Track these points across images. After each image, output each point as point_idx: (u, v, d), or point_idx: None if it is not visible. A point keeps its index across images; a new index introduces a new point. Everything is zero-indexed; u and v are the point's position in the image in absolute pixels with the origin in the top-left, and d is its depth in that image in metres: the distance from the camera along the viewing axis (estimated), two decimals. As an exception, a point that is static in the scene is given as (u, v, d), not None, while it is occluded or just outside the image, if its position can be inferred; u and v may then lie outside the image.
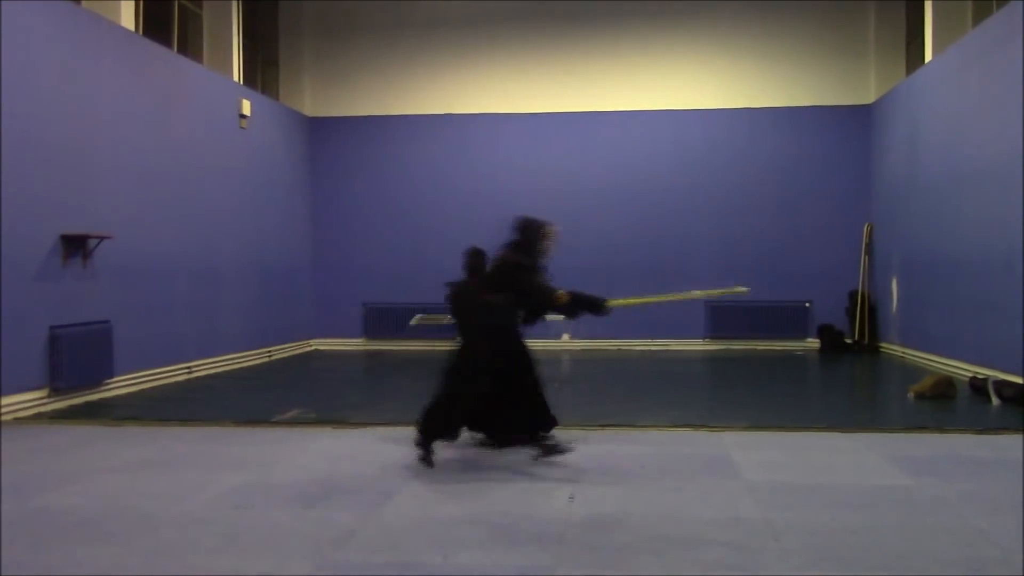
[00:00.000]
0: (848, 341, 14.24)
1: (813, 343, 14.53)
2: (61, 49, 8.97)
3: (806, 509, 4.96)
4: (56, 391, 8.64)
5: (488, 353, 6.07)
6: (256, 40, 14.52)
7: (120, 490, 5.49)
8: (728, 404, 9.00)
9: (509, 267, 6.10)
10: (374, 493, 5.35)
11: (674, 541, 4.40)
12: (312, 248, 15.37)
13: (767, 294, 13.97)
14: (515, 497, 5.28)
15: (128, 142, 10.05)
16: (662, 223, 14.74)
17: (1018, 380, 8.74)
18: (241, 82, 13.27)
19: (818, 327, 14.54)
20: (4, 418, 7.85)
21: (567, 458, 6.08)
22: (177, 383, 10.57)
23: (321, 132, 15.40)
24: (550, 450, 6.10)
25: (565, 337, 14.49)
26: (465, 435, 6.66)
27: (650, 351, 14.22)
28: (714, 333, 14.74)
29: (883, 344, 13.84)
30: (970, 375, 9.46)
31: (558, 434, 6.31)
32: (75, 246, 9.02)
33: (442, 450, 6.21)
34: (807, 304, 14.64)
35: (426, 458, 5.99)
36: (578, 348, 14.43)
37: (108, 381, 9.46)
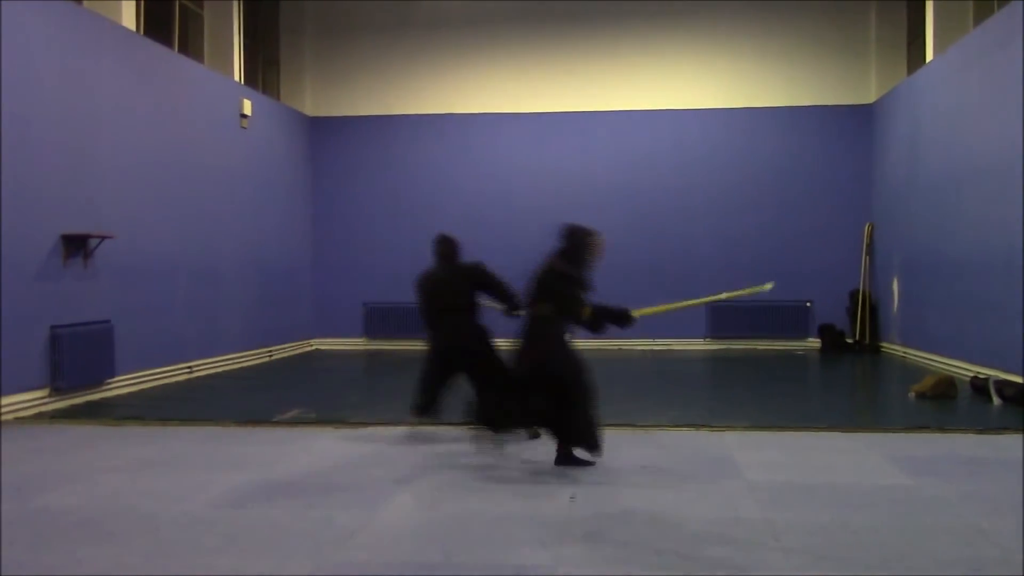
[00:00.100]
0: (849, 341, 14.23)
1: (814, 343, 14.53)
2: (62, 49, 8.97)
3: (807, 509, 4.96)
4: (57, 391, 8.64)
5: (540, 365, 5.96)
6: (257, 40, 14.52)
7: (121, 490, 5.50)
8: (729, 404, 9.00)
9: (555, 277, 6.01)
10: (374, 493, 5.35)
11: (675, 541, 4.40)
12: (313, 248, 15.37)
13: (768, 294, 13.90)
14: (516, 497, 5.28)
15: (129, 142, 10.06)
16: (662, 223, 14.74)
17: (1019, 380, 8.74)
18: (242, 82, 13.28)
19: (819, 327, 14.53)
20: (5, 418, 7.86)
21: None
22: (178, 383, 10.57)
23: (322, 132, 15.40)
24: (571, 461, 5.96)
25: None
26: (463, 433, 6.68)
27: (651, 351, 14.22)
28: (715, 333, 14.74)
29: (884, 344, 13.83)
30: (971, 375, 9.46)
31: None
32: (76, 246, 9.03)
33: (441, 451, 6.21)
34: (808, 304, 14.63)
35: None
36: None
37: (109, 381, 9.47)
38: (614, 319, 6.14)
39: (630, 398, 9.33)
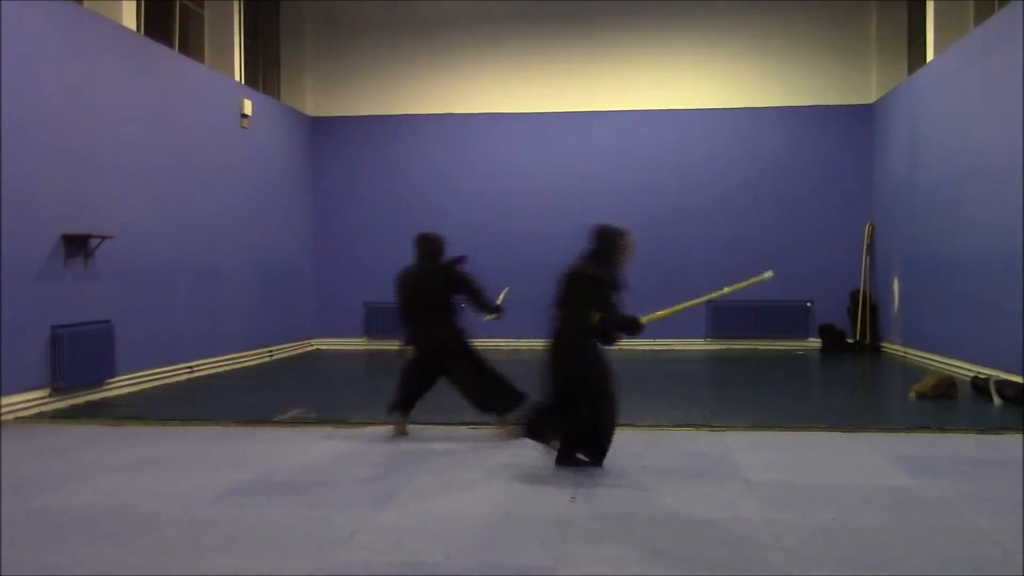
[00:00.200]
0: (849, 341, 14.23)
1: (814, 343, 14.53)
2: (62, 49, 8.97)
3: (807, 509, 4.96)
4: (57, 391, 8.64)
5: (568, 368, 5.90)
6: (257, 40, 14.52)
7: (121, 490, 5.49)
8: (729, 404, 9.00)
9: (580, 280, 5.93)
10: (375, 492, 5.35)
11: (675, 541, 4.40)
12: (313, 247, 15.37)
13: (768, 294, 13.94)
14: (516, 497, 5.28)
15: (129, 142, 10.06)
16: (662, 223, 14.72)
17: (1019, 380, 8.73)
18: (242, 82, 13.28)
19: (819, 327, 14.53)
20: (5, 418, 7.86)
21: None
22: (178, 383, 10.57)
23: (322, 132, 15.40)
24: (572, 461, 5.94)
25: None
26: (461, 432, 6.69)
27: (651, 351, 14.21)
28: (715, 333, 14.74)
29: (884, 344, 13.83)
30: (972, 375, 9.46)
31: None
32: (76, 246, 9.03)
33: (441, 451, 6.21)
34: (808, 304, 14.63)
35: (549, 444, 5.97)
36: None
37: (109, 381, 9.47)
38: (623, 327, 6.03)
39: (630, 398, 9.28)
